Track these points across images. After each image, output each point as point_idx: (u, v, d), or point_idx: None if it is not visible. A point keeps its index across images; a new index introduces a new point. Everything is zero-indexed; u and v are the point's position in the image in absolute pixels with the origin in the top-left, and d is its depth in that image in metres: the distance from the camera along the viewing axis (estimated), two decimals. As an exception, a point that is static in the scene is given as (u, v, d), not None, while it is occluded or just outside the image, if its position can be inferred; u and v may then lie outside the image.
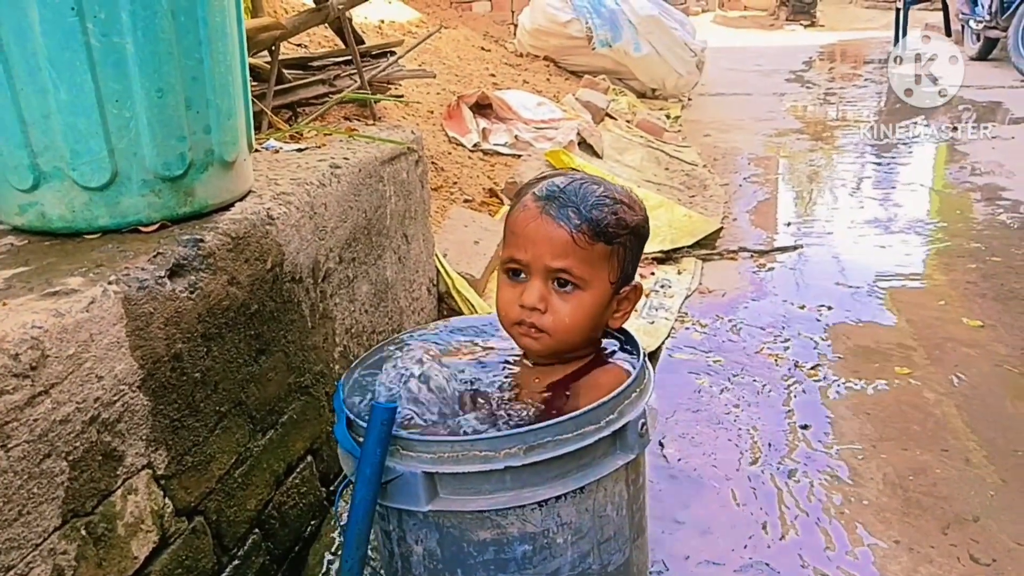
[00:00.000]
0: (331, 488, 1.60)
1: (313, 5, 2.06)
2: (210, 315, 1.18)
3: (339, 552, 1.42)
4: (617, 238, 1.16)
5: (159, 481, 1.09)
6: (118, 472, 1.01)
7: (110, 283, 1.00)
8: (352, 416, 1.08)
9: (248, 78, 1.36)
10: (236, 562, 1.26)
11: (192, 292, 1.13)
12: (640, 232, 1.21)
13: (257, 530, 1.33)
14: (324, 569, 1.41)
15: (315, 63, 2.32)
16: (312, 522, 1.52)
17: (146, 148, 1.15)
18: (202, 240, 1.17)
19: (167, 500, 1.10)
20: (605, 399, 1.05)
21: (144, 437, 1.05)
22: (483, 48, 6.27)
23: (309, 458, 1.52)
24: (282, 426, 1.41)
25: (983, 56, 8.37)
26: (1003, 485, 1.71)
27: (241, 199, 1.35)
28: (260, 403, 1.33)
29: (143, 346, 1.04)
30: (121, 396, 1.00)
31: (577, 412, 1.03)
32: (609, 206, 1.16)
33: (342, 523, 1.45)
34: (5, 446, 0.84)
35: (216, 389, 1.21)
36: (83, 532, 0.95)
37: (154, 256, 1.10)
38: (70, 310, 0.93)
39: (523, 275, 1.18)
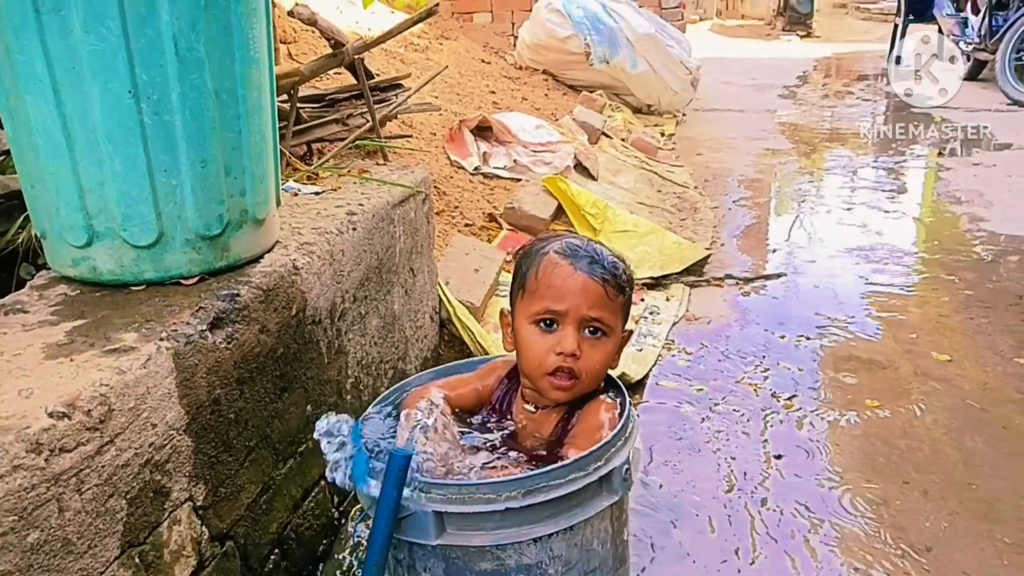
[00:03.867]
0: (341, 509, 1.74)
1: (330, 50, 2.19)
2: (244, 361, 1.32)
3: (350, 572, 1.57)
4: (628, 290, 1.36)
5: (198, 511, 1.23)
6: (165, 506, 1.15)
7: (162, 339, 1.14)
8: (370, 458, 1.22)
9: (278, 142, 1.50)
10: (259, 581, 1.41)
11: (230, 342, 1.27)
12: (633, 284, 1.41)
13: (277, 550, 1.47)
14: (336, 588, 1.55)
15: (329, 97, 2.46)
16: (324, 541, 1.66)
17: (189, 211, 1.29)
18: (238, 294, 1.31)
19: (204, 528, 1.24)
20: (594, 448, 1.20)
21: (187, 473, 1.19)
22: (483, 60, 6.41)
23: (323, 482, 1.66)
24: (300, 455, 1.55)
25: (972, 77, 8.54)
26: (957, 517, 1.87)
27: (269, 250, 1.49)
28: (282, 435, 1.47)
29: (189, 394, 1.18)
30: (171, 440, 1.14)
31: (568, 461, 1.18)
32: (620, 264, 1.36)
33: (352, 544, 1.59)
34: (79, 490, 0.98)
35: (247, 426, 1.35)
36: (137, 560, 1.09)
37: (196, 311, 1.24)
38: (130, 367, 1.07)
39: (556, 325, 1.33)
